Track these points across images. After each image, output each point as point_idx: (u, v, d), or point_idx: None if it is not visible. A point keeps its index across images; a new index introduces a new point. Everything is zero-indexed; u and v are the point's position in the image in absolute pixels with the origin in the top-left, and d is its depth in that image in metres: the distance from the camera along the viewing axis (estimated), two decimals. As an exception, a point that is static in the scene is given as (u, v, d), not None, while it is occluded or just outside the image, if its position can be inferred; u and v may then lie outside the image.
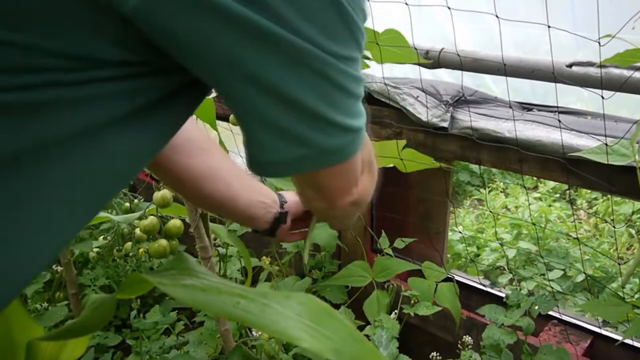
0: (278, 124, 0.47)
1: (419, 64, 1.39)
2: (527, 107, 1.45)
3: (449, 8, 1.09)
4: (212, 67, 0.44)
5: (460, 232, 2.04)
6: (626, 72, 1.10)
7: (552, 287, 1.87)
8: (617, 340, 1.33)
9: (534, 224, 1.64)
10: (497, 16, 1.04)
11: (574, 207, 3.16)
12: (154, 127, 0.51)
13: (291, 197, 0.95)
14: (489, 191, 3.42)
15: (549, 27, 0.98)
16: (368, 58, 1.30)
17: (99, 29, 0.42)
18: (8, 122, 0.43)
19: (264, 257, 1.65)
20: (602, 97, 1.01)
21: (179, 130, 0.56)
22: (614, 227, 1.27)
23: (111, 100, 0.46)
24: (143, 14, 0.40)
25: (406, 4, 1.15)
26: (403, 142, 1.31)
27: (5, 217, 0.45)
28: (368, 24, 1.21)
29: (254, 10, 0.41)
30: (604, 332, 1.39)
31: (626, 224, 2.73)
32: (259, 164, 0.52)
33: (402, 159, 1.31)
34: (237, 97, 0.46)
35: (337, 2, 0.44)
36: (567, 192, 3.16)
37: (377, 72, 1.46)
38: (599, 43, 0.93)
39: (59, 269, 1.71)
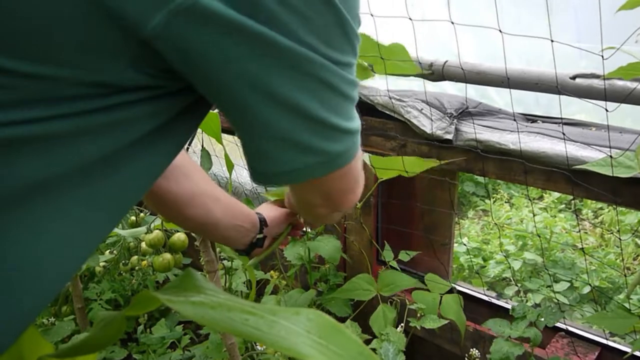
0: (285, 135, 0.49)
1: (423, 76, 1.40)
2: (531, 118, 1.45)
3: (452, 22, 1.10)
4: (224, 82, 0.46)
5: (465, 244, 2.03)
6: (630, 84, 1.11)
7: (558, 299, 1.86)
8: (625, 352, 1.32)
9: (538, 236, 1.64)
10: (500, 31, 1.04)
11: (580, 217, 3.15)
12: (164, 146, 0.53)
13: (273, 215, 0.97)
14: (494, 201, 3.42)
15: (552, 41, 0.98)
16: (373, 71, 1.30)
17: (117, 53, 0.43)
18: (25, 155, 0.44)
19: (271, 271, 1.65)
20: (607, 110, 1.01)
21: (184, 145, 0.57)
22: (619, 238, 1.27)
23: (125, 125, 0.47)
24: (161, 38, 0.42)
25: (410, 19, 1.16)
26: (410, 159, 1.32)
27: (24, 246, 0.47)
28: (373, 37, 1.21)
29: (261, 22, 0.43)
30: (611, 344, 1.38)
31: (632, 234, 2.72)
32: (269, 175, 0.53)
33: (407, 171, 1.31)
34: (245, 109, 0.48)
35: (337, 12, 0.46)
36: (572, 202, 3.15)
37: (381, 85, 1.47)
38: (602, 56, 0.93)
39: (65, 283, 1.71)
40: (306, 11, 0.44)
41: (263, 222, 0.95)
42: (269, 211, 0.99)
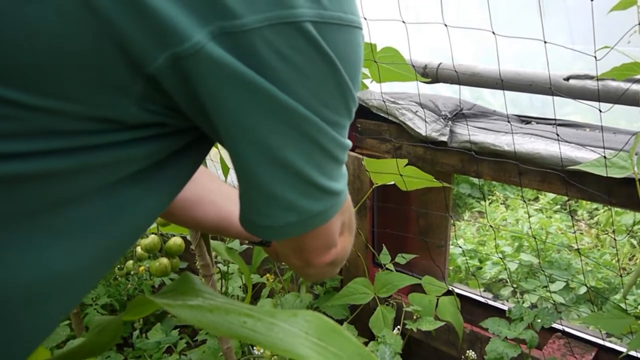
0: (273, 192, 0.48)
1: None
2: (525, 119, 1.46)
3: (445, 25, 1.10)
4: (220, 128, 0.45)
5: (460, 246, 2.04)
6: (623, 85, 1.11)
7: (554, 300, 1.87)
8: (622, 352, 1.32)
9: (534, 237, 1.64)
10: (493, 32, 1.05)
11: (575, 218, 3.16)
12: (165, 182, 0.52)
13: None
14: (489, 203, 3.42)
15: (545, 42, 0.99)
16: (367, 77, 1.31)
17: (124, 90, 0.42)
18: (21, 190, 0.43)
19: (267, 275, 1.64)
20: (600, 111, 1.02)
21: (190, 178, 0.57)
22: (615, 238, 1.27)
23: (128, 163, 0.47)
24: (163, 77, 0.42)
25: (403, 22, 1.16)
26: (404, 161, 1.32)
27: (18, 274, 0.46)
28: (366, 40, 1.22)
29: (262, 75, 0.42)
30: (608, 344, 1.39)
31: (628, 234, 2.73)
32: (252, 223, 0.53)
33: (402, 175, 1.31)
34: (241, 159, 0.47)
35: (337, 74, 0.46)
36: (568, 203, 3.16)
37: (376, 88, 1.47)
38: (595, 57, 0.94)
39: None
40: (307, 70, 0.44)
41: None
42: None
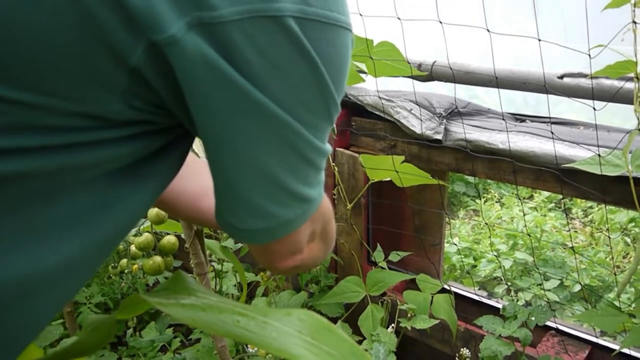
0: (240, 192, 0.47)
1: (413, 77, 1.40)
2: (519, 118, 1.46)
3: (440, 22, 1.10)
4: (197, 121, 0.44)
5: (456, 244, 2.04)
6: (617, 83, 1.11)
7: (548, 298, 1.87)
8: (615, 350, 1.33)
9: (529, 235, 1.65)
10: (488, 30, 1.05)
11: (569, 216, 3.17)
12: (152, 178, 0.51)
13: None
14: (484, 201, 3.43)
15: (539, 40, 0.99)
16: (364, 72, 1.30)
17: (109, 85, 0.42)
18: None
19: (261, 273, 1.64)
20: (594, 109, 1.02)
21: (176, 174, 0.55)
22: (609, 236, 1.27)
23: (114, 161, 0.46)
24: (147, 67, 0.41)
25: (398, 18, 1.16)
26: (401, 158, 1.32)
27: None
28: (361, 36, 1.21)
29: (240, 72, 0.41)
30: (601, 342, 1.39)
31: (622, 232, 2.74)
32: (224, 221, 0.52)
33: (397, 172, 1.31)
34: (212, 154, 0.46)
35: (320, 75, 0.45)
36: (562, 201, 3.17)
37: (371, 86, 1.47)
38: (589, 55, 0.94)
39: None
40: (285, 67, 0.42)
41: None
42: None
